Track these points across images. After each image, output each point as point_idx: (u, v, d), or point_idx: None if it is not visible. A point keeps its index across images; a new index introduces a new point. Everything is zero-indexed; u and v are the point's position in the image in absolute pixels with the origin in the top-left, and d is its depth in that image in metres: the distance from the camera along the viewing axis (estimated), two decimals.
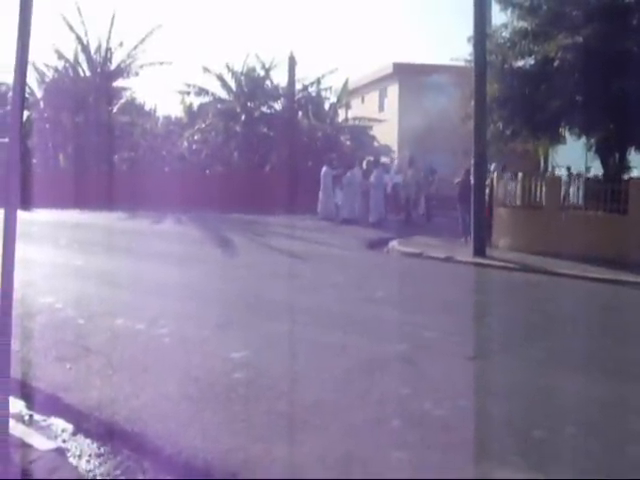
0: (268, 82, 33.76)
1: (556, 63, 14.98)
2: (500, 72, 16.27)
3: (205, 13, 78.30)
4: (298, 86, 32.72)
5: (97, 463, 4.38)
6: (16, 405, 5.06)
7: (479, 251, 14.92)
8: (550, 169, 24.59)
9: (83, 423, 4.94)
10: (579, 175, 19.14)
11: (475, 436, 4.85)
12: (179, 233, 19.60)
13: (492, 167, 18.10)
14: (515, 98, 16.00)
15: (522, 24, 16.16)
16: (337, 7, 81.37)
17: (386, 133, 32.71)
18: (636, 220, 14.29)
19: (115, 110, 33.10)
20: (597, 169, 19.08)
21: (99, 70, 33.03)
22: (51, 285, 10.13)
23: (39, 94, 33.77)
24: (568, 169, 22.40)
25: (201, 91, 33.84)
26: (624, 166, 17.21)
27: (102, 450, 4.56)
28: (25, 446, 4.39)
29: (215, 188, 28.49)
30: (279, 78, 33.45)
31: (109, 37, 32.71)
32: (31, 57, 4.20)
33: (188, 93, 34.22)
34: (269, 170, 32.78)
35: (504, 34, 16.47)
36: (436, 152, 26.69)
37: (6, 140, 4.12)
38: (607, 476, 4.30)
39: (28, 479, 3.99)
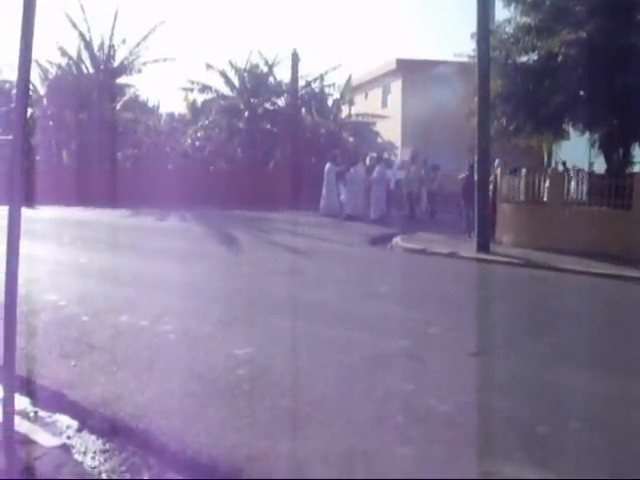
0: (271, 79, 33.77)
1: (560, 59, 14.97)
2: (503, 68, 16.26)
3: (208, 10, 78.31)
4: (301, 82, 32.72)
5: (102, 459, 4.39)
6: (21, 402, 5.07)
7: (483, 247, 14.92)
8: (554, 165, 24.55)
9: (88, 420, 4.95)
10: (577, 170, 19.07)
11: (479, 432, 4.86)
12: (183, 230, 19.62)
13: (496, 163, 18.08)
14: (519, 94, 15.98)
15: (525, 20, 16.14)
16: (340, 3, 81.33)
17: (389, 129, 32.68)
18: None
19: (118, 107, 33.10)
20: (601, 164, 19.03)
21: (102, 67, 33.05)
22: (55, 282, 10.15)
23: (42, 91, 33.79)
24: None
25: (204, 88, 33.85)
26: (628, 161, 17.18)
27: (107, 447, 4.58)
28: (30, 442, 4.41)
29: (219, 185, 28.54)
30: (282, 74, 33.50)
31: (112, 34, 32.76)
32: (34, 54, 4.21)
33: (191, 90, 34.24)
34: (272, 167, 32.78)
35: (507, 30, 16.45)
36: (440, 148, 26.62)
37: (10, 137, 4.12)
38: (611, 472, 4.30)
39: (33, 476, 4.00)
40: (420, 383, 5.83)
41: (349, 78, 34.38)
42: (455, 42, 69.53)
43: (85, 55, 33.15)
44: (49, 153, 33.72)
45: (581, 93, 15.34)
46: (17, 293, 4.12)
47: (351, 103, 35.59)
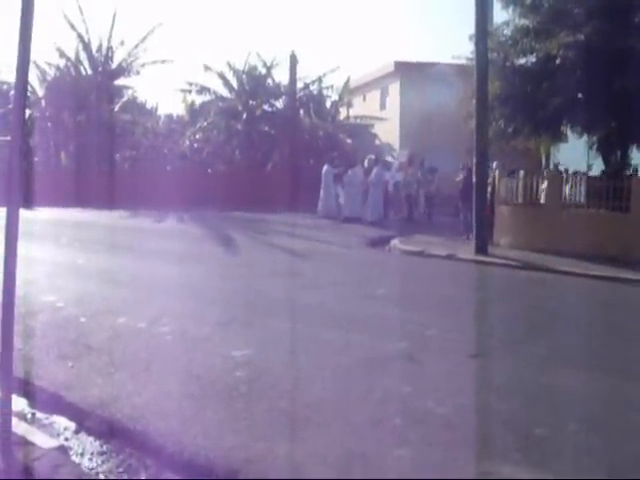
0: (270, 80, 33.81)
1: (558, 61, 14.99)
2: (502, 70, 16.28)
3: (206, 11, 78.32)
4: (300, 84, 32.77)
5: (99, 461, 4.39)
6: (19, 403, 5.06)
7: (481, 249, 14.93)
8: (552, 167, 24.56)
9: (85, 421, 4.95)
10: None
11: (477, 434, 4.86)
12: (181, 231, 19.61)
13: (494, 165, 18.09)
14: (517, 96, 15.99)
15: (524, 22, 16.16)
16: (339, 5, 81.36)
17: (388, 131, 32.69)
18: (638, 218, 14.28)
19: (117, 109, 33.11)
20: (599, 167, 19.05)
21: (100, 69, 33.07)
22: (53, 283, 10.14)
23: (41, 93, 33.80)
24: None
25: (203, 89, 33.86)
26: (626, 164, 17.20)
27: (104, 448, 4.57)
28: (28, 444, 4.40)
29: (217, 186, 28.51)
30: (281, 76, 33.62)
31: (110, 36, 32.82)
32: (33, 56, 4.21)
33: (190, 91, 34.25)
34: (271, 168, 32.79)
35: (506, 32, 16.48)
36: (438, 150, 26.63)
37: (8, 139, 4.12)
38: (609, 473, 4.31)
39: (31, 477, 3.99)
40: (418, 385, 5.83)
41: (347, 80, 34.41)
42: (453, 44, 69.72)
43: (83, 57, 33.19)
44: (47, 154, 33.71)
45: (579, 95, 15.35)
46: (15, 294, 4.12)
47: (349, 105, 35.59)
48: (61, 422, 4.98)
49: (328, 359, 6.57)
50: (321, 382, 5.88)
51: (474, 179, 15.47)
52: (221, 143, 33.60)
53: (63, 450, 4.47)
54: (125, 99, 34.60)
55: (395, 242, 16.85)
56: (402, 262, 14.80)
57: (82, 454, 4.48)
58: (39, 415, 5.09)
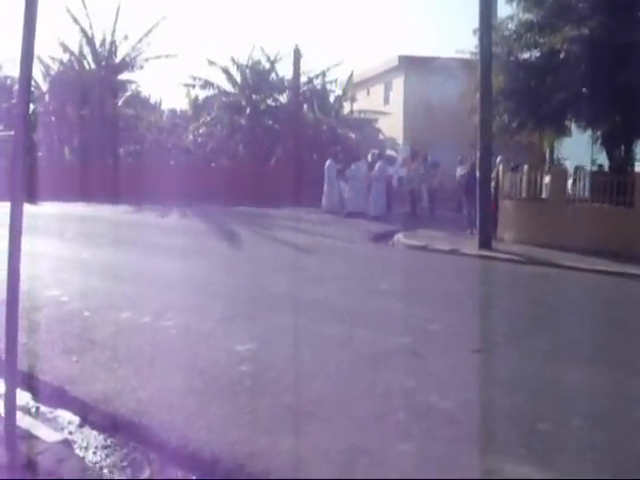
0: (273, 75, 33.71)
1: (562, 55, 14.96)
2: (506, 64, 16.24)
3: (210, 5, 78.19)
4: (303, 79, 32.61)
5: (104, 455, 4.41)
6: (23, 397, 5.09)
7: (485, 244, 14.91)
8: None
9: (89, 415, 4.97)
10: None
11: (480, 429, 4.86)
12: (185, 226, 19.63)
13: (498, 159, 18.06)
14: (521, 90, 15.96)
15: (528, 16, 16.12)
16: None
17: (391, 126, 32.63)
18: None
19: (120, 103, 33.07)
20: (603, 161, 19.02)
21: (104, 63, 32.99)
22: (57, 278, 10.15)
23: (44, 87, 33.77)
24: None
25: (206, 84, 33.79)
26: (630, 158, 17.15)
27: (109, 442, 4.59)
28: (32, 438, 4.42)
29: (220, 181, 28.48)
30: (284, 71, 33.39)
31: (114, 30, 32.69)
32: (36, 50, 4.20)
33: (193, 86, 34.18)
34: (274, 163, 32.76)
35: (510, 26, 16.43)
36: (442, 145, 26.60)
37: (12, 133, 4.12)
38: (613, 469, 4.30)
39: (35, 471, 4.01)
40: (421, 380, 5.83)
41: (351, 74, 34.31)
42: (457, 38, 69.32)
43: (87, 51, 33.09)
44: (51, 149, 33.68)
45: (583, 90, 15.32)
46: (19, 289, 4.13)
47: (353, 100, 35.50)
48: (65, 416, 4.99)
49: (331, 354, 6.58)
50: (324, 377, 5.88)
51: (478, 174, 15.44)
52: (224, 138, 33.55)
53: (67, 444, 4.48)
54: (129, 94, 34.57)
55: (399, 237, 16.84)
56: (406, 257, 14.79)
57: (86, 448, 4.50)
58: (43, 409, 5.11)
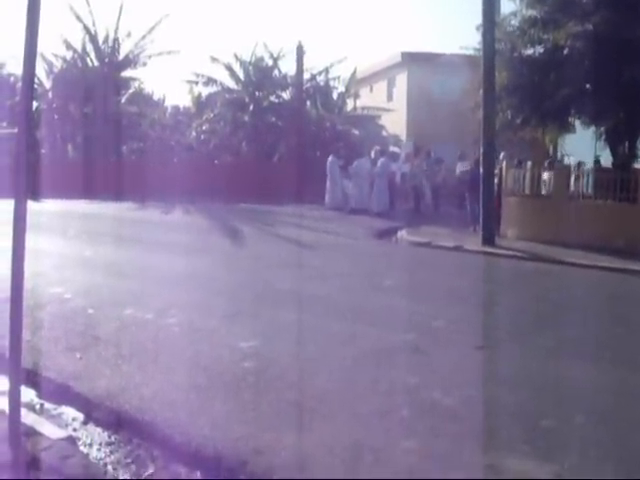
0: (276, 72, 33.68)
1: (565, 51, 14.93)
2: (509, 60, 16.21)
3: (213, 2, 78.12)
4: (306, 75, 32.62)
5: (108, 451, 4.42)
6: (27, 394, 5.09)
7: (488, 240, 14.90)
8: (558, 158, 24.47)
9: (93, 412, 4.98)
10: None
11: (484, 425, 4.86)
12: (188, 223, 19.63)
13: (501, 156, 18.03)
14: (524, 86, 15.93)
15: (531, 12, 16.08)
16: None
17: (395, 122, 32.60)
18: None
19: (123, 100, 33.07)
20: (607, 158, 18.96)
21: (107, 60, 33.00)
22: (61, 275, 10.16)
23: (47, 85, 33.77)
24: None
25: (209, 81, 33.77)
26: (634, 155, 17.12)
27: (113, 439, 4.60)
28: (36, 434, 4.42)
29: (223, 178, 28.49)
30: (287, 67, 33.37)
31: (117, 27, 32.69)
32: (39, 48, 4.20)
33: (196, 83, 34.14)
34: (277, 160, 32.75)
35: (513, 22, 16.40)
36: (445, 141, 26.58)
37: (15, 131, 4.13)
38: (616, 466, 4.30)
39: (39, 468, 4.02)
40: (425, 376, 5.83)
41: (354, 71, 34.28)
42: (460, 35, 69.27)
43: (90, 48, 33.09)
44: (54, 146, 33.71)
45: (587, 86, 15.28)
46: (23, 286, 4.13)
47: (356, 96, 35.49)
48: (69, 413, 5.01)
49: (335, 350, 6.58)
50: (328, 373, 5.89)
51: (481, 170, 15.43)
52: (228, 135, 33.54)
53: (71, 440, 4.49)
54: (132, 91, 34.56)
55: (402, 233, 16.85)
56: (409, 253, 14.79)
57: (90, 444, 4.51)
58: (47, 406, 5.12)
